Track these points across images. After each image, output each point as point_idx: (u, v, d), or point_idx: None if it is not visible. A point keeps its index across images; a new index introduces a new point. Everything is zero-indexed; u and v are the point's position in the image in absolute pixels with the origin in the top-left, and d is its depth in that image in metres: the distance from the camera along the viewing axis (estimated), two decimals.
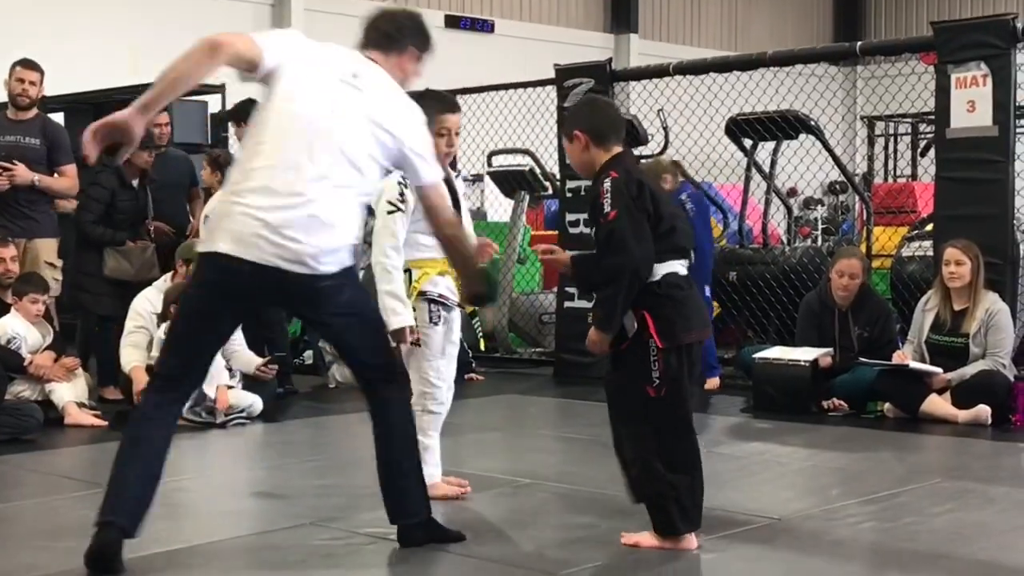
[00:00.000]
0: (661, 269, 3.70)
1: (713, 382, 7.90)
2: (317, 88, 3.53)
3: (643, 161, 9.31)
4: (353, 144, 3.52)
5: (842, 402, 6.89)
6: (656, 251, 3.68)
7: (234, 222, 3.45)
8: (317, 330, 3.71)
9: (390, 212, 4.30)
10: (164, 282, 7.03)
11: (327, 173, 3.47)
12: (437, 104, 4.35)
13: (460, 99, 9.82)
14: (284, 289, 3.48)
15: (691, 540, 3.81)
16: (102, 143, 3.31)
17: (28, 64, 7.35)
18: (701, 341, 3.82)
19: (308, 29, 15.02)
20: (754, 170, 9.39)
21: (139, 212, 7.63)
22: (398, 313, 4.22)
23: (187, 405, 6.48)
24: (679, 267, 3.76)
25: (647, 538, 3.82)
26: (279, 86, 3.52)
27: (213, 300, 3.53)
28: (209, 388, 6.53)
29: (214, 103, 10.39)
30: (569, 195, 8.91)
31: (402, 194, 4.29)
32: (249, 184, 3.48)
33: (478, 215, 12.52)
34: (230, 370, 6.84)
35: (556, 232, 9.44)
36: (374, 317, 3.80)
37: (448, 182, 3.97)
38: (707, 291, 7.78)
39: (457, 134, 4.46)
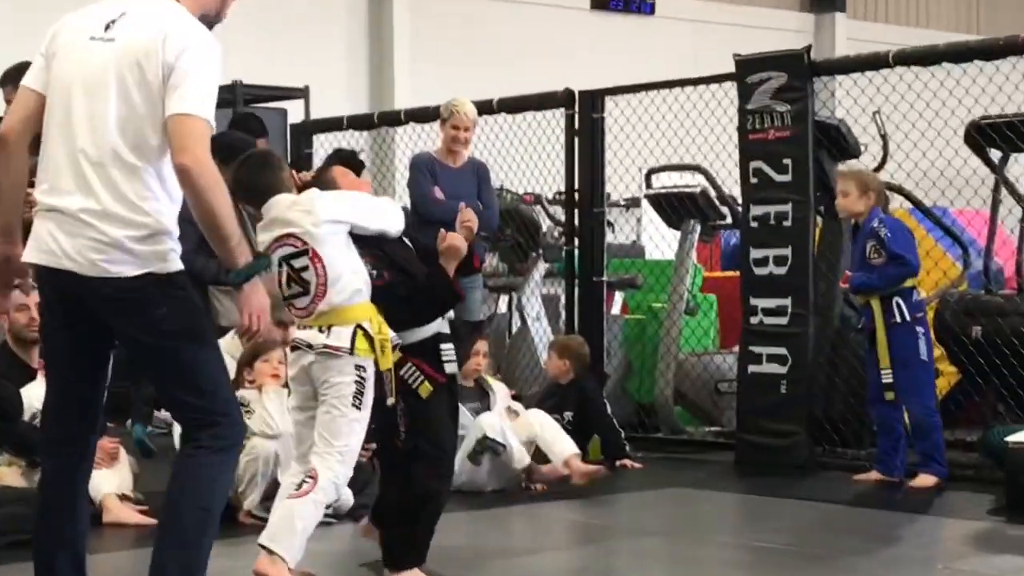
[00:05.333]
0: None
1: (926, 479, 7.65)
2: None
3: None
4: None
5: None
6: None
7: None
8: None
9: None
10: (231, 337, 7.09)
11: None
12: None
13: (610, 100, 9.95)
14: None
15: None
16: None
17: None
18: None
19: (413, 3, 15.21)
20: (1005, 191, 9.14)
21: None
22: None
23: (255, 498, 6.57)
24: None
25: None
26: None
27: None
28: (283, 476, 6.55)
29: (295, 111, 10.58)
30: (754, 225, 8.78)
31: None
32: None
33: (633, 251, 12.45)
34: None
35: (737, 272, 9.29)
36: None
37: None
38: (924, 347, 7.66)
39: None
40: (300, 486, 4.93)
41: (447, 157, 8.66)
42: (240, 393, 6.69)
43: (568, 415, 8.23)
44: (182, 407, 4.04)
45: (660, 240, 11.29)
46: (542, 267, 10.57)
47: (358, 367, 4.91)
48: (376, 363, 4.94)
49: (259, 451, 6.57)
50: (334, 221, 4.95)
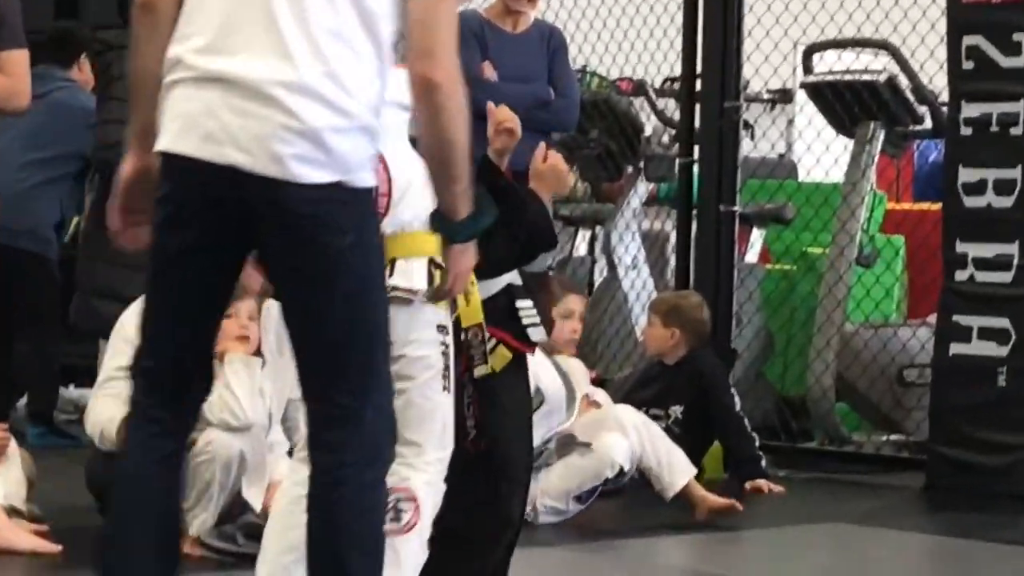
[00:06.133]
0: None
1: None
2: None
3: None
4: None
5: None
6: None
7: None
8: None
9: None
10: None
11: None
12: None
13: None
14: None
15: None
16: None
17: None
18: None
19: None
20: None
21: None
22: None
23: (207, 520, 6.64)
24: None
25: None
26: None
27: None
28: (250, 489, 6.61)
29: None
30: (967, 132, 8.76)
31: None
32: None
33: (781, 168, 12.42)
34: (291, 452, 6.92)
35: (937, 204, 9.29)
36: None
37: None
38: None
39: None
40: (398, 515, 4.78)
41: (504, 19, 8.66)
42: None
43: (676, 411, 8.25)
44: (332, 387, 3.94)
45: (822, 152, 11.29)
46: (643, 189, 10.60)
47: (440, 327, 4.82)
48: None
49: (216, 450, 6.59)
50: (398, 104, 4.67)
